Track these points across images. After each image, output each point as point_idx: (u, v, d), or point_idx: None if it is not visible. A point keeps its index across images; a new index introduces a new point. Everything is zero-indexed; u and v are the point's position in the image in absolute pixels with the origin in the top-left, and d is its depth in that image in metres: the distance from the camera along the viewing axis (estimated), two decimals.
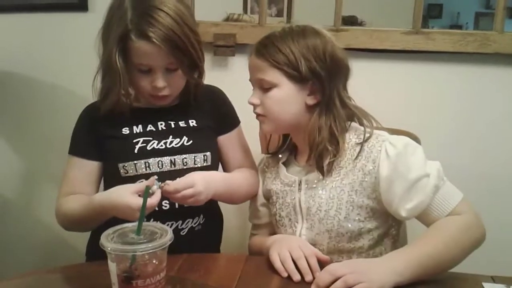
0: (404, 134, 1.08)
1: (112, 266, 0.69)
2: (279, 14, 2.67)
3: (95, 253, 0.92)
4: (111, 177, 1.07)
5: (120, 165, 1.05)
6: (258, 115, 1.05)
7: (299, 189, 1.03)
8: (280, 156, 1.13)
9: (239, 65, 1.49)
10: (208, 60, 1.34)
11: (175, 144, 1.09)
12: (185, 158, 1.08)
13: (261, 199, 1.14)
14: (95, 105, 1.11)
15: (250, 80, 1.06)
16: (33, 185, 1.78)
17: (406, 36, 1.39)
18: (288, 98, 1.00)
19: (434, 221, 0.92)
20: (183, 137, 1.10)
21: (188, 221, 1.09)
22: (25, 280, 0.91)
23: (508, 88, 1.41)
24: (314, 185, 1.01)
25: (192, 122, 1.14)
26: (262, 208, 1.14)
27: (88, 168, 1.10)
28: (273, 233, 1.12)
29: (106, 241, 0.70)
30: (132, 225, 0.73)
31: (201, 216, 1.11)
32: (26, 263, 1.75)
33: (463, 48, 1.37)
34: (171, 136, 1.09)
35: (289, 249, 0.90)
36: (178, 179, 0.97)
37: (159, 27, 0.97)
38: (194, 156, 1.09)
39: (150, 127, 1.10)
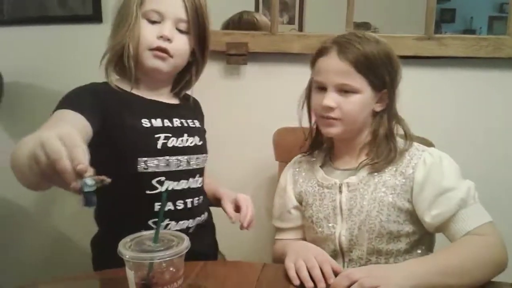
0: (418, 140, 1.10)
1: (130, 274, 0.70)
2: (290, 21, 2.68)
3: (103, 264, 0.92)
4: (123, 171, 0.98)
5: (141, 160, 1.00)
6: (329, 118, 1.03)
7: (340, 191, 1.05)
8: (313, 158, 1.15)
9: (251, 73, 1.50)
10: (220, 69, 1.35)
11: (190, 143, 1.10)
12: (198, 158, 1.11)
13: (293, 202, 1.15)
14: (104, 84, 1.08)
15: (321, 81, 1.03)
16: (41, 194, 1.80)
17: (418, 42, 1.39)
18: (365, 105, 1.03)
19: (455, 235, 0.94)
20: (195, 136, 1.12)
21: (197, 218, 1.10)
22: None
23: None
24: (356, 187, 1.03)
25: (196, 122, 1.16)
26: (294, 211, 1.15)
27: (81, 125, 0.91)
28: (301, 237, 1.14)
29: (124, 249, 0.71)
30: (149, 233, 0.74)
31: (206, 213, 1.14)
32: (32, 271, 1.76)
33: (476, 53, 1.37)
34: (186, 135, 1.09)
35: (304, 259, 0.90)
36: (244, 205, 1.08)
37: None
38: (203, 157, 1.13)
39: (167, 123, 1.07)
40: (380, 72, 1.01)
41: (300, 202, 1.14)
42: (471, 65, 1.40)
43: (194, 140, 1.11)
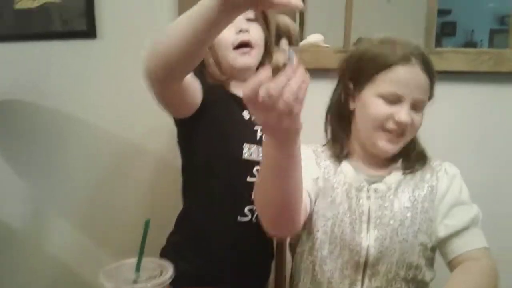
0: None
1: None
2: None
3: None
4: (230, 155, 1.09)
5: (246, 145, 1.09)
6: (393, 133, 0.96)
7: (368, 197, 0.98)
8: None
9: None
10: None
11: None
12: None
13: (316, 172, 1.01)
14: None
15: (398, 94, 0.93)
16: (40, 215, 1.77)
17: None
18: None
19: (455, 252, 0.93)
20: None
21: None
22: None
23: None
24: (384, 194, 0.98)
25: None
26: (312, 182, 0.98)
27: (198, 85, 1.04)
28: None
29: (105, 279, 0.67)
30: (131, 261, 0.70)
31: None
32: None
33: (477, 67, 1.33)
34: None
35: None
36: None
37: None
38: None
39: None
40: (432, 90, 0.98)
41: (317, 194, 0.99)
42: (473, 80, 1.36)
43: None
